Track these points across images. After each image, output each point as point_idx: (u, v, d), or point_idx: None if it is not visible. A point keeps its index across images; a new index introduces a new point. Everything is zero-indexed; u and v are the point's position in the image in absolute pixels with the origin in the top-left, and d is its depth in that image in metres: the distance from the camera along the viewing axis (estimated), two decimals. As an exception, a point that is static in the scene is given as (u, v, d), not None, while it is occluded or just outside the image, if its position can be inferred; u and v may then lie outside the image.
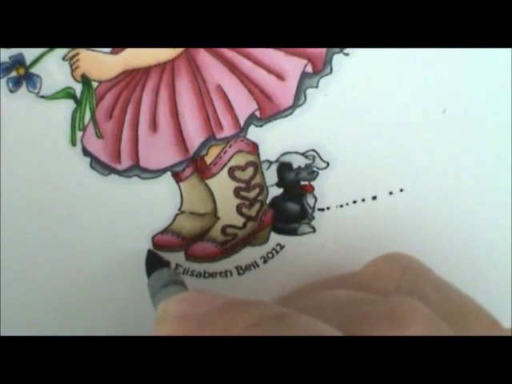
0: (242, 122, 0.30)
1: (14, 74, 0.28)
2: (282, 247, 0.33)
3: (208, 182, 0.31)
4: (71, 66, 0.28)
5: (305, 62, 0.29)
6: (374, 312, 0.24)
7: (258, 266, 0.33)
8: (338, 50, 0.29)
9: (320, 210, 0.32)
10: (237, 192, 0.32)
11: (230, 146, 0.31)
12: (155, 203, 0.31)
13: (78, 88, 0.29)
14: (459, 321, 0.26)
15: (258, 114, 0.30)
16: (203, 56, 0.29)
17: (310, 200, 0.32)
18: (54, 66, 0.28)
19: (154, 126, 0.30)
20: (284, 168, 0.31)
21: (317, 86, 0.30)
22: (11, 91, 0.28)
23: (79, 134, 0.29)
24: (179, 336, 0.24)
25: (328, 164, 0.31)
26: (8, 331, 0.31)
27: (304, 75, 0.29)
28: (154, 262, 0.31)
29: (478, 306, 0.28)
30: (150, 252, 0.32)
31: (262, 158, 0.31)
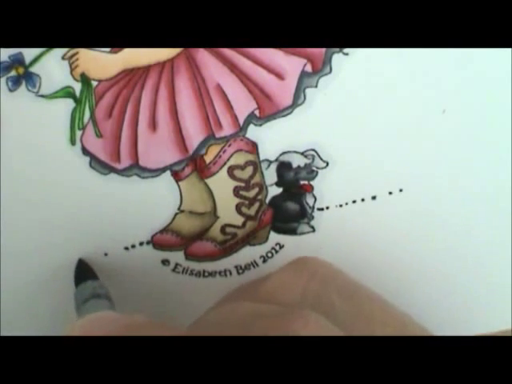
0: (241, 121, 0.30)
1: (13, 73, 0.28)
2: (281, 247, 0.33)
3: (207, 181, 0.31)
4: (70, 65, 0.28)
5: (304, 61, 0.29)
6: (269, 328, 0.24)
7: (257, 265, 0.33)
8: (337, 49, 0.29)
9: (319, 209, 0.32)
10: (236, 191, 0.32)
11: (229, 145, 0.31)
12: (155, 202, 0.31)
13: (77, 87, 0.29)
14: (364, 327, 0.26)
15: (257, 113, 0.30)
16: (203, 55, 0.29)
17: (310, 199, 0.32)
18: (53, 66, 0.28)
19: (153, 125, 0.30)
20: (283, 167, 0.31)
21: (316, 86, 0.30)
22: (11, 90, 0.28)
23: (79, 133, 0.29)
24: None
25: (327, 163, 0.31)
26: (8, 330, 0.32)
27: (303, 75, 0.29)
28: (80, 273, 0.31)
29: (387, 309, 0.27)
30: (79, 262, 0.32)
31: (262, 157, 0.31)
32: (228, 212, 0.32)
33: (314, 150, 0.31)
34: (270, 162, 0.31)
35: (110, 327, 0.25)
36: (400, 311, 0.28)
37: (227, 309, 0.27)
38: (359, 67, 0.29)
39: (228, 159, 0.31)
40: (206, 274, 0.33)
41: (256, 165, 0.31)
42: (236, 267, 0.33)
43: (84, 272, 0.31)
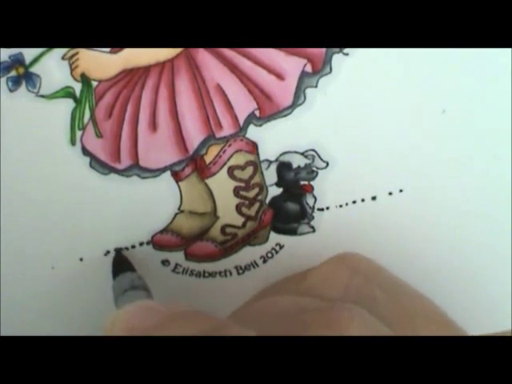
0: (241, 122, 0.30)
1: (13, 73, 0.28)
2: (281, 247, 0.33)
3: (207, 181, 0.31)
4: (71, 65, 0.28)
5: (304, 61, 0.29)
6: (315, 321, 0.24)
7: (257, 265, 0.33)
8: (337, 49, 0.29)
9: (319, 209, 0.32)
10: (236, 191, 0.32)
11: (229, 146, 0.31)
12: (155, 202, 0.31)
13: (77, 87, 0.29)
14: (407, 323, 0.26)
15: (257, 113, 0.30)
16: (203, 55, 0.29)
17: (310, 200, 0.32)
18: (53, 66, 0.28)
19: (153, 125, 0.30)
20: (283, 167, 0.31)
21: (316, 86, 0.30)
22: (11, 90, 0.28)
23: (79, 133, 0.29)
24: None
25: (327, 164, 0.31)
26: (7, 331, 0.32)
27: (303, 75, 0.29)
28: (118, 265, 0.31)
29: (429, 306, 0.27)
30: (116, 253, 0.32)
31: (262, 157, 0.31)
32: (228, 212, 0.32)
33: (314, 150, 0.31)
34: (270, 162, 0.31)
35: (152, 317, 0.25)
36: (441, 309, 0.28)
37: (269, 301, 0.27)
38: (359, 67, 0.29)
39: (228, 159, 0.31)
40: (206, 274, 0.33)
41: (256, 165, 0.31)
42: (236, 267, 0.33)
43: (121, 264, 0.31)
